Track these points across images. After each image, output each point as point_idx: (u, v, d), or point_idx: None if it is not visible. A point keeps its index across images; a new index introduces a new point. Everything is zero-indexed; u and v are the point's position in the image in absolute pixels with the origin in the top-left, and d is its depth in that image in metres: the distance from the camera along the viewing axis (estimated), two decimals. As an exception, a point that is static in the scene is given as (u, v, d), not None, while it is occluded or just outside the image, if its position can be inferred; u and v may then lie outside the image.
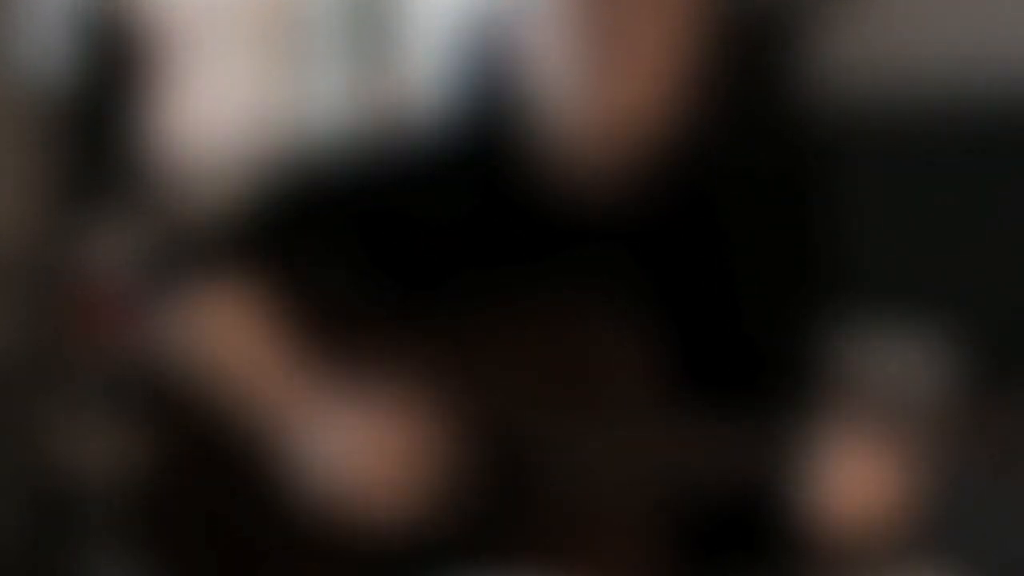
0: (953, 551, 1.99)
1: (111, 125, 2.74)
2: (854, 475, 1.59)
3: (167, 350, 1.76)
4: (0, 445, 2.55)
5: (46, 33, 2.88)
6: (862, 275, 3.26)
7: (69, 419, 2.22)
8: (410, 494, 1.68)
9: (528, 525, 1.68)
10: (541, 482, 1.66)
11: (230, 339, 1.75)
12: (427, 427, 1.69)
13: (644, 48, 1.68)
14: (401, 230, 1.75)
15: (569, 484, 1.66)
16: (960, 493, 2.32)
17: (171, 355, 1.76)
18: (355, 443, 1.69)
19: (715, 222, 1.74)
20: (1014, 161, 3.52)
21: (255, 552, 1.75)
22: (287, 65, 3.10)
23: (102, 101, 2.76)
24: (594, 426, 1.66)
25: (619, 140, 1.67)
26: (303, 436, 1.71)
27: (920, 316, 3.42)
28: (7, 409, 1.55)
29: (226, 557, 1.75)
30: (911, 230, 3.63)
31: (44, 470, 2.77)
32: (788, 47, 1.75)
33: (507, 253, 1.74)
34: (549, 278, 1.70)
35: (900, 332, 3.24)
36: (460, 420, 1.69)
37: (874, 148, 3.58)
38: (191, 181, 2.84)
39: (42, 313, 2.80)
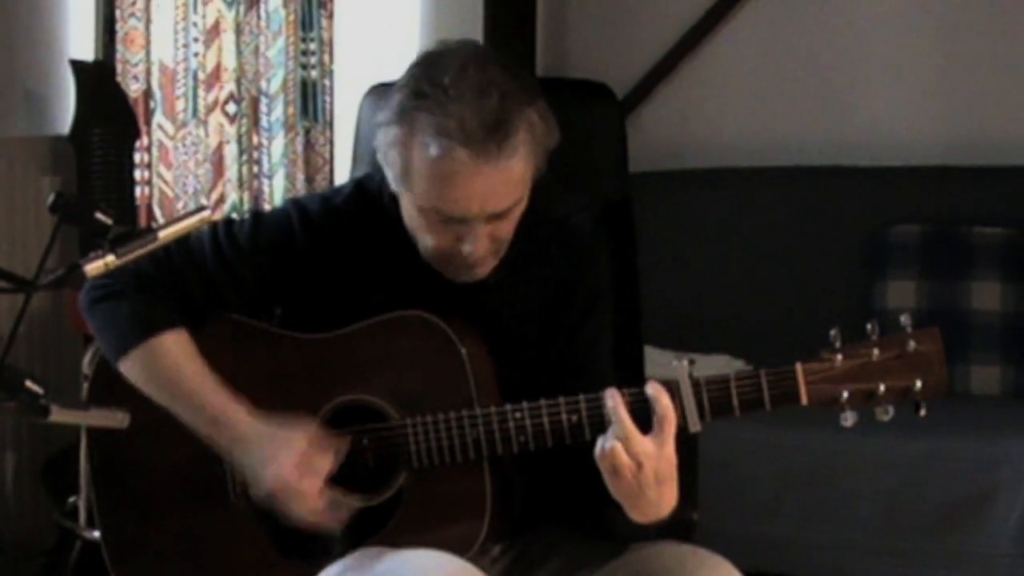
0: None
1: (101, 162, 2.96)
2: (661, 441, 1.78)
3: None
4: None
5: (50, 81, 3.12)
6: (667, 301, 3.63)
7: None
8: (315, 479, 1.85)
9: (399, 488, 1.89)
10: (406, 453, 1.88)
11: (173, 361, 1.92)
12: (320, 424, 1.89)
13: None
14: (308, 263, 1.95)
15: (426, 453, 1.87)
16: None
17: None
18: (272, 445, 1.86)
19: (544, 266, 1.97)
20: (780, 208, 3.98)
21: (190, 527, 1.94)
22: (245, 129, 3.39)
23: (94, 142, 2.97)
24: (443, 411, 1.88)
25: None
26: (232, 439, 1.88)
27: (709, 332, 3.84)
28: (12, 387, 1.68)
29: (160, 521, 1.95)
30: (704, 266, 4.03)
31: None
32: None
33: (389, 280, 1.95)
34: (419, 305, 1.92)
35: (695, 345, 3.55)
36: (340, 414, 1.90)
37: (683, 199, 4.03)
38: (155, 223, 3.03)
39: (44, 313, 3.03)
